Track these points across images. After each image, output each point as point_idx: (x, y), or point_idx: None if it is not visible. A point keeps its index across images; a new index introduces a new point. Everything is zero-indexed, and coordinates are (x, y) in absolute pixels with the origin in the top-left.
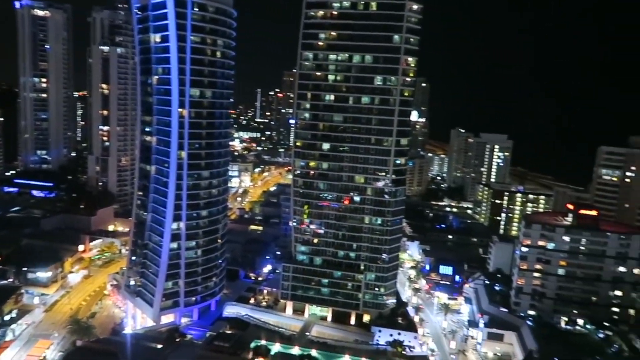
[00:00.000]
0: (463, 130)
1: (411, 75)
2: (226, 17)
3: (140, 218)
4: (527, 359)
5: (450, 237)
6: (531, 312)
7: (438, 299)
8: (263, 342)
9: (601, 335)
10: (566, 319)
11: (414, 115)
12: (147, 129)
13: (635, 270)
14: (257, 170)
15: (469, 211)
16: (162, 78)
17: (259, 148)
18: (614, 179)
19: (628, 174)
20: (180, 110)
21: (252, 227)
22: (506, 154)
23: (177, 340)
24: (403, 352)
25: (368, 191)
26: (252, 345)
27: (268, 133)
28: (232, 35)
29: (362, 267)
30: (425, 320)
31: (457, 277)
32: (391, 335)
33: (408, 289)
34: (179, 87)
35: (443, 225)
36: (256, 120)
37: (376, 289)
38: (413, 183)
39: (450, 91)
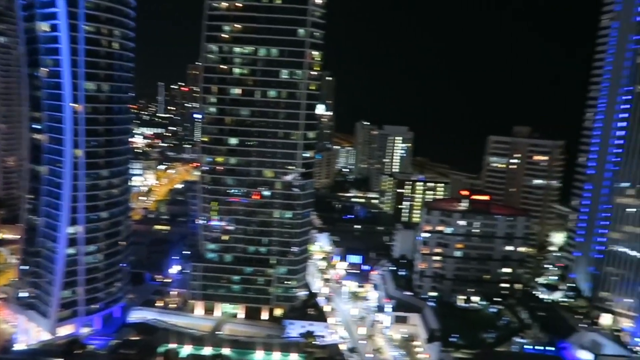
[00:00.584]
0: (367, 123)
1: (317, 68)
2: (124, 6)
3: (31, 223)
4: (430, 337)
5: (357, 227)
6: (433, 294)
7: (347, 287)
8: (172, 345)
9: (493, 310)
10: (463, 297)
11: (321, 109)
12: (36, 126)
13: (521, 249)
14: (161, 167)
15: (375, 201)
16: (52, 71)
17: (163, 144)
18: (501, 165)
19: (512, 161)
20: (73, 105)
21: (158, 227)
22: (408, 144)
23: (77, 352)
24: (314, 343)
25: (277, 185)
26: (161, 349)
27: (173, 128)
28: (131, 25)
29: (272, 262)
30: (335, 309)
31: (365, 266)
32: (303, 327)
33: (318, 280)
34: (72, 80)
35: (351, 216)
36: (159, 115)
37: (287, 282)
38: (321, 176)
39: (355, 85)
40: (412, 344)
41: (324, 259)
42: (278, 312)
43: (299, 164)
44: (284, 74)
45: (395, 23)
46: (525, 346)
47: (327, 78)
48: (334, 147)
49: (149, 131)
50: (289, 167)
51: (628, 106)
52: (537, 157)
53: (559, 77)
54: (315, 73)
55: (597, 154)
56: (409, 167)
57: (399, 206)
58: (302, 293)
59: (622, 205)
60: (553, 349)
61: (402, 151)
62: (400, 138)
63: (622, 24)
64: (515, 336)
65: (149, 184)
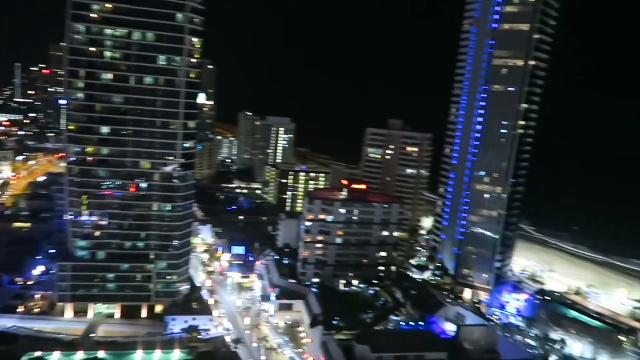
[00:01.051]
0: (250, 113)
1: (197, 56)
2: None
3: None
4: (313, 322)
5: (241, 217)
6: (315, 280)
7: (232, 278)
8: (38, 353)
9: (371, 292)
10: (344, 281)
11: (202, 98)
12: None
13: (395, 234)
14: (20, 158)
15: (258, 191)
16: None
17: (21, 132)
18: (378, 156)
19: (387, 151)
20: None
21: (17, 224)
22: (290, 135)
23: None
24: (198, 337)
25: (155, 177)
26: (25, 358)
27: (33, 115)
28: None
29: (152, 257)
30: (220, 302)
31: (249, 256)
32: (186, 321)
33: (202, 273)
34: None
35: (234, 207)
36: (16, 100)
37: (168, 277)
38: (203, 166)
39: (238, 75)
40: (296, 329)
41: (206, 251)
42: (159, 308)
43: (178, 154)
44: (162, 60)
45: (278, 13)
46: (400, 323)
47: (208, 66)
48: (217, 137)
49: (3, 117)
50: (168, 158)
51: (484, 103)
52: (409, 148)
53: (430, 73)
54: (195, 60)
55: (460, 146)
56: (291, 158)
57: (282, 196)
58: (184, 287)
59: (480, 191)
60: (423, 323)
61: (285, 142)
62: (283, 129)
63: (480, 29)
64: (391, 314)
65: (4, 176)
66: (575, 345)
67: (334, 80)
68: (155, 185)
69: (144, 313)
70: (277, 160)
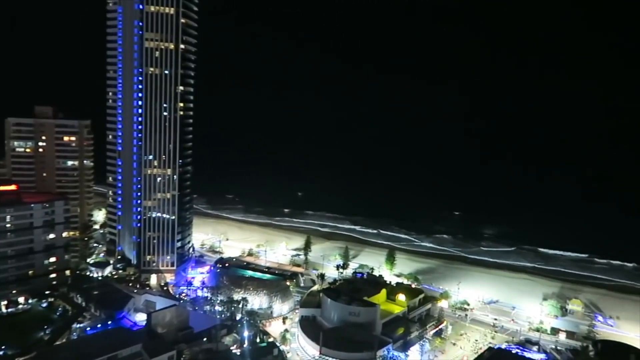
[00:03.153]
0: None
1: None
2: None
3: None
4: None
5: None
6: None
7: None
8: None
9: (44, 305)
10: (5, 302)
11: None
12: None
13: (64, 234)
14: None
15: None
16: None
17: None
18: (28, 150)
19: (40, 143)
20: None
21: None
22: None
23: None
24: None
25: None
26: None
27: None
28: None
29: None
30: None
31: None
32: None
33: None
34: None
35: None
36: None
37: None
38: None
39: None
40: None
41: None
42: None
43: None
44: None
45: None
46: (86, 329)
47: None
48: None
49: None
50: None
51: (141, 86)
52: (66, 138)
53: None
54: None
55: (123, 132)
56: None
57: None
58: None
59: (151, 175)
60: (112, 322)
61: None
62: None
63: (126, 9)
64: (73, 323)
65: None
66: (255, 300)
67: None
68: None
69: None
70: None
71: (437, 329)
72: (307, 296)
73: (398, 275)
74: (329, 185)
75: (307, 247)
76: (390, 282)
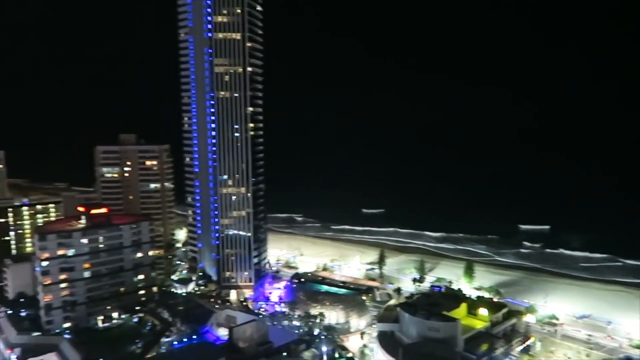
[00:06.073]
0: None
1: None
2: None
3: None
4: None
5: None
6: (67, 325)
7: None
8: None
9: (135, 320)
10: (101, 317)
11: None
12: None
13: (150, 253)
14: None
15: None
16: None
17: None
18: (115, 175)
19: (125, 169)
20: None
21: None
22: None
23: None
24: None
25: None
26: None
27: None
28: None
29: None
30: None
31: None
32: None
33: None
34: None
35: None
36: None
37: None
38: None
39: None
40: None
41: None
42: None
43: None
44: None
45: None
46: (173, 343)
47: None
48: None
49: None
50: None
51: (214, 110)
52: (148, 163)
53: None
54: None
55: (199, 154)
56: (6, 192)
57: (5, 238)
58: None
59: (226, 194)
60: (196, 336)
61: None
62: None
63: (197, 38)
64: (162, 338)
65: None
66: (332, 315)
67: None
68: None
69: None
70: None
71: (524, 345)
72: (384, 311)
73: (478, 289)
74: (400, 201)
75: (381, 261)
76: (470, 295)
